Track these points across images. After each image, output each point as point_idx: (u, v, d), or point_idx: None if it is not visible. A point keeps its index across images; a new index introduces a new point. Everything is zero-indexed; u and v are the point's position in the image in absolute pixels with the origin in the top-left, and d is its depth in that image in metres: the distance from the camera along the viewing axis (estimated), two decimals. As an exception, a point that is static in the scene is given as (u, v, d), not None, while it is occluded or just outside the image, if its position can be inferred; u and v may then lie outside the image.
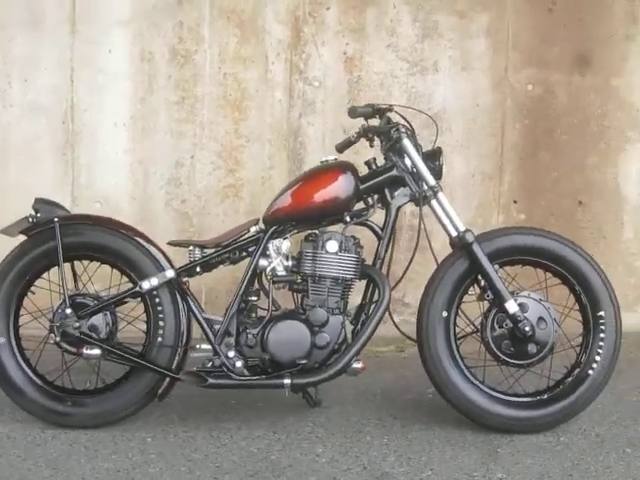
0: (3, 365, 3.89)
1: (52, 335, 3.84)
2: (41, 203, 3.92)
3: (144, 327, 4.00)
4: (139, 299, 3.95)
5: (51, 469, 3.47)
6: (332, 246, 3.87)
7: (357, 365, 3.82)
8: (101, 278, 4.03)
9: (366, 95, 5.21)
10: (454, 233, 3.93)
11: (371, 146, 4.12)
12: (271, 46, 5.17)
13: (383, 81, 5.24)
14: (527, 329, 3.81)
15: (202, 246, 3.96)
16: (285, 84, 5.20)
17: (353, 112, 4.01)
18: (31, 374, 3.92)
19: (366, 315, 3.92)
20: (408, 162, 3.94)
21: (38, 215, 3.86)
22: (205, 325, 3.86)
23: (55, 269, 3.95)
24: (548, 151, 5.37)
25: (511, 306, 3.82)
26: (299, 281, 3.91)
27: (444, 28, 5.25)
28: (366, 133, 4.10)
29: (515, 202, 5.33)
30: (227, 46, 5.15)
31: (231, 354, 3.82)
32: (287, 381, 3.76)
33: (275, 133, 5.23)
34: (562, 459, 3.63)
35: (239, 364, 3.81)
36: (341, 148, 4.27)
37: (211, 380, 3.77)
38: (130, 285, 3.94)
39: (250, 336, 3.84)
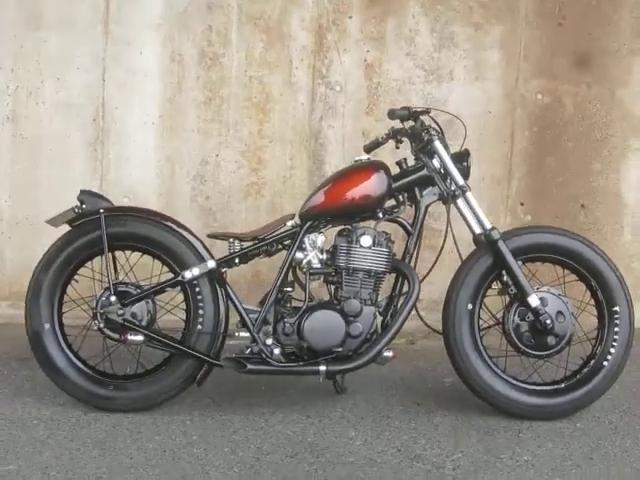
0: (47, 350, 4.05)
1: (95, 322, 4.02)
2: (86, 195, 4.09)
3: (178, 315, 4.21)
4: (179, 288, 4.13)
5: (99, 449, 3.63)
6: (366, 240, 4.08)
7: (388, 354, 4.03)
8: (136, 268, 4.21)
9: (385, 100, 5.44)
10: (478, 230, 4.17)
11: (397, 147, 4.34)
12: (295, 52, 5.38)
13: (401, 87, 5.46)
14: (548, 322, 4.03)
15: (240, 239, 4.17)
16: (308, 88, 5.41)
17: (392, 114, 4.22)
18: (74, 359, 4.07)
19: (395, 307, 4.15)
20: (437, 163, 4.17)
21: (83, 206, 4.03)
22: (244, 314, 4.05)
23: (97, 259, 4.15)
24: (555, 157, 5.62)
25: (533, 300, 4.05)
26: (333, 273, 4.12)
27: (460, 39, 5.48)
28: (395, 135, 4.32)
29: (522, 204, 5.56)
30: (253, 50, 5.36)
31: (269, 342, 4.02)
32: (323, 368, 3.95)
33: (297, 135, 5.44)
34: (581, 444, 3.86)
35: (277, 351, 4.00)
36: (369, 149, 4.48)
37: (250, 366, 3.95)
38: (170, 275, 4.14)
39: (288, 325, 4.04)
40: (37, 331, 4.04)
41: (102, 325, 4.00)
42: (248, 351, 4.02)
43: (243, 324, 4.10)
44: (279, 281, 4.07)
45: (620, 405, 4.35)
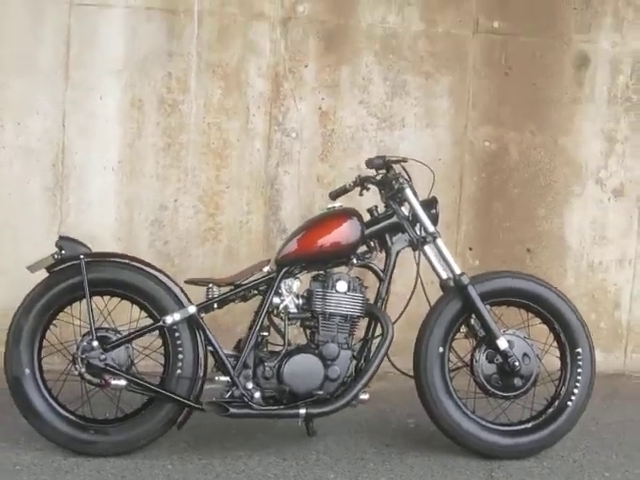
0: (28, 396, 4.04)
1: (76, 366, 4.05)
2: (65, 240, 4.13)
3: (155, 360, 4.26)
4: (157, 333, 4.17)
5: (86, 496, 3.67)
6: (342, 286, 4.19)
7: (364, 396, 4.14)
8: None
9: (338, 147, 5.57)
10: (444, 276, 4.32)
11: (361, 194, 4.47)
12: (252, 99, 5.47)
13: (354, 134, 5.59)
14: (517, 364, 4.19)
15: (218, 284, 4.24)
16: (264, 135, 5.50)
17: (370, 163, 4.35)
18: (54, 404, 4.08)
19: (368, 350, 4.26)
20: (406, 210, 4.32)
21: (63, 252, 4.06)
22: (225, 359, 4.11)
23: (75, 304, 4.19)
24: (502, 202, 5.81)
25: (502, 343, 4.20)
26: (310, 318, 4.22)
27: (411, 87, 5.64)
28: (362, 182, 4.46)
29: (470, 249, 5.74)
30: (212, 97, 5.43)
31: (249, 385, 4.08)
32: (302, 411, 4.05)
33: (254, 180, 5.51)
34: (553, 481, 4.05)
35: (257, 395, 4.07)
36: (336, 195, 4.59)
37: (233, 410, 4.01)
38: (149, 320, 4.18)
39: (268, 369, 4.11)
40: (17, 376, 4.04)
41: (83, 370, 4.03)
42: (228, 395, 4.08)
43: (220, 368, 4.17)
44: (258, 326, 4.15)
45: (579, 444, 4.51)
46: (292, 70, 5.51)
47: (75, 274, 4.05)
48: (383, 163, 4.33)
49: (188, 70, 5.39)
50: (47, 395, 4.09)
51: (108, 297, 4.22)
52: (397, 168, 4.35)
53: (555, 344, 4.41)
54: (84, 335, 4.07)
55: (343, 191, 4.56)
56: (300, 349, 4.18)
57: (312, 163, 5.57)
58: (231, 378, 4.08)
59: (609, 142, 5.92)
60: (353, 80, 5.59)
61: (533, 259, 5.84)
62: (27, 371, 4.05)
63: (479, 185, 5.79)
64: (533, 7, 5.75)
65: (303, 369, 4.11)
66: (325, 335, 4.17)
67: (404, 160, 4.34)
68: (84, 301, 4.08)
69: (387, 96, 5.62)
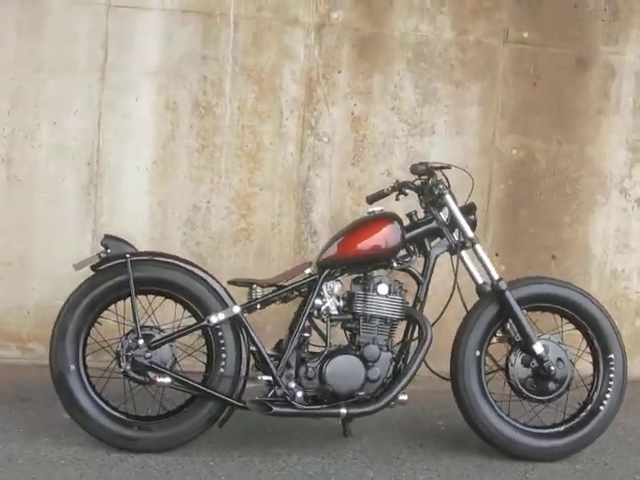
0: (73, 391, 4.08)
1: (121, 364, 4.10)
2: (110, 239, 4.17)
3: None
4: (199, 332, 4.24)
5: (133, 489, 3.72)
6: (383, 289, 4.26)
7: (403, 397, 4.20)
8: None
9: (369, 152, 5.66)
10: (480, 281, 4.40)
11: (397, 199, 4.54)
12: (286, 103, 5.56)
13: (386, 140, 5.68)
14: (552, 368, 4.26)
15: (261, 285, 4.30)
16: (297, 138, 5.58)
17: (414, 169, 4.42)
18: (99, 401, 4.12)
19: (407, 353, 4.33)
20: (444, 215, 4.40)
21: (108, 251, 4.12)
22: (268, 358, 4.18)
23: (119, 303, 4.24)
24: (528, 210, 5.90)
25: (538, 348, 4.27)
26: (352, 320, 4.29)
27: (442, 95, 5.73)
28: (400, 187, 4.53)
29: (497, 255, 5.82)
30: (246, 101, 5.52)
31: (292, 385, 4.14)
32: (343, 411, 4.10)
33: (286, 183, 5.60)
34: (588, 484, 4.13)
35: (299, 394, 4.13)
36: (372, 199, 4.66)
37: (276, 408, 4.06)
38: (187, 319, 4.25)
39: (310, 369, 4.17)
40: (62, 372, 4.07)
41: (128, 367, 4.08)
42: (270, 394, 4.14)
43: (261, 367, 4.24)
44: (301, 326, 4.20)
45: (608, 447, 4.56)
46: (325, 76, 5.60)
47: (121, 272, 4.10)
48: (426, 169, 4.40)
49: (223, 74, 5.48)
50: (92, 391, 4.12)
51: (152, 296, 4.27)
52: (438, 174, 4.43)
53: (588, 350, 4.48)
54: (128, 333, 4.14)
55: (380, 195, 4.62)
56: (342, 350, 4.24)
57: (343, 167, 5.66)
58: (273, 377, 4.13)
59: (634, 152, 6.02)
60: (385, 87, 5.68)
61: (558, 265, 5.92)
62: (72, 367, 4.08)
63: (506, 192, 5.88)
64: (562, 19, 5.85)
65: (345, 370, 4.17)
66: (366, 337, 4.23)
67: (447, 167, 4.41)
68: (128, 300, 4.13)
69: (418, 103, 5.72)
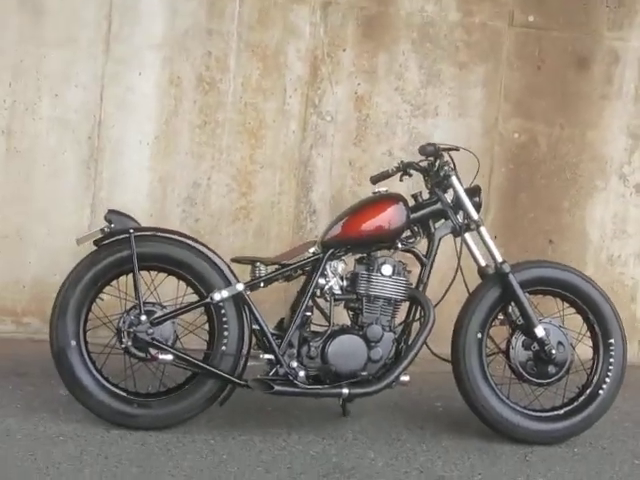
0: (73, 367, 4.04)
1: (123, 340, 4.07)
2: (114, 214, 4.14)
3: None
4: (202, 309, 4.21)
5: (136, 467, 3.67)
6: (387, 269, 4.24)
7: (404, 378, 4.20)
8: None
9: (372, 132, 5.63)
10: (483, 263, 4.39)
11: (401, 180, 4.53)
12: (290, 81, 5.51)
13: (389, 121, 5.65)
14: (553, 352, 4.27)
15: (265, 263, 4.28)
16: (300, 117, 5.54)
17: (423, 150, 4.39)
18: (100, 377, 4.08)
19: (409, 334, 4.32)
20: (449, 197, 4.39)
21: (112, 225, 4.09)
22: (271, 337, 4.16)
23: (121, 278, 4.21)
24: (527, 194, 5.89)
25: (539, 331, 4.28)
26: (355, 300, 4.28)
27: (446, 77, 5.70)
28: (405, 168, 4.51)
29: (495, 237, 5.78)
30: (250, 77, 5.46)
31: (294, 364, 4.13)
32: (345, 391, 4.09)
33: (287, 161, 5.55)
34: (587, 468, 4.12)
35: (302, 374, 4.12)
36: (376, 180, 4.64)
37: (278, 387, 4.04)
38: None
39: (313, 348, 4.17)
40: (63, 348, 4.04)
41: (130, 343, 4.06)
42: (272, 373, 4.13)
43: (262, 346, 4.23)
44: (304, 306, 4.19)
45: (605, 432, 4.57)
46: (330, 54, 5.55)
47: (124, 248, 4.07)
48: (434, 150, 4.38)
49: (227, 49, 5.42)
50: (92, 368, 4.09)
51: (155, 273, 4.24)
52: (445, 156, 4.41)
53: (588, 334, 4.49)
54: (130, 309, 4.10)
55: (385, 176, 4.60)
56: (344, 330, 4.23)
57: (345, 147, 5.62)
58: (275, 356, 4.12)
59: (634, 139, 6.01)
60: (389, 67, 5.64)
61: (555, 250, 5.92)
62: (73, 343, 4.05)
63: (507, 176, 5.86)
64: (568, 3, 5.83)
65: (347, 350, 4.16)
66: (369, 317, 4.22)
67: (456, 149, 4.40)
68: (130, 275, 4.11)
69: (422, 84, 5.68)
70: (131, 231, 4.06)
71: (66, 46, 5.27)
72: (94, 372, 4.09)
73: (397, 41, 5.63)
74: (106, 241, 4.10)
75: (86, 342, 4.12)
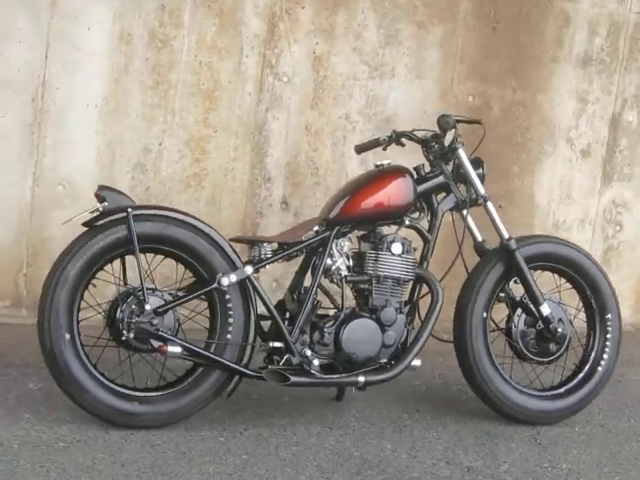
0: (69, 364, 3.59)
1: (123, 331, 3.65)
2: (106, 190, 3.71)
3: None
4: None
5: (161, 475, 3.30)
6: (397, 248, 4.01)
7: (417, 362, 4.01)
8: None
9: (329, 95, 5.31)
10: (480, 238, 4.24)
11: (384, 149, 4.31)
12: (247, 39, 5.10)
13: (345, 83, 5.35)
14: (559, 330, 4.18)
15: (268, 243, 3.96)
16: (256, 77, 5.15)
17: (447, 124, 4.14)
18: (97, 374, 3.66)
19: (416, 314, 4.12)
20: (449, 169, 4.19)
21: (105, 204, 3.66)
22: (282, 324, 3.86)
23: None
24: (480, 158, 5.73)
25: (545, 309, 4.17)
26: (365, 281, 4.02)
27: (404, 36, 5.44)
28: (398, 138, 4.27)
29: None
30: (205, 35, 5.02)
31: (308, 352, 3.85)
32: (362, 379, 3.87)
33: (242, 125, 5.17)
34: (600, 448, 4.08)
35: (316, 362, 3.85)
36: (362, 149, 4.41)
37: (294, 378, 3.75)
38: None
39: (326, 335, 3.90)
40: (57, 342, 3.58)
41: (132, 335, 3.66)
42: (282, 362, 3.83)
43: (266, 333, 3.93)
44: (314, 289, 3.90)
45: (593, 408, 4.51)
46: (289, 11, 5.17)
47: (120, 229, 3.64)
48: (452, 123, 4.14)
49: (182, 3, 4.95)
50: (88, 363, 3.65)
51: (152, 255, 3.83)
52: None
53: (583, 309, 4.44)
54: (127, 297, 3.69)
55: (373, 145, 4.38)
56: (356, 314, 3.97)
57: (302, 110, 5.29)
58: (287, 344, 3.83)
59: (581, 103, 5.97)
60: (348, 25, 5.32)
61: (504, 215, 5.70)
62: (67, 336, 3.59)
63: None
64: (522, -37, 5.67)
65: (362, 335, 3.92)
66: (379, 299, 3.98)
67: (478, 122, 4.20)
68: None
69: (380, 44, 5.40)
70: (129, 210, 3.63)
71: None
72: (90, 368, 3.65)
73: (357, -2, 5.33)
74: (101, 221, 3.64)
75: (79, 334, 3.66)
